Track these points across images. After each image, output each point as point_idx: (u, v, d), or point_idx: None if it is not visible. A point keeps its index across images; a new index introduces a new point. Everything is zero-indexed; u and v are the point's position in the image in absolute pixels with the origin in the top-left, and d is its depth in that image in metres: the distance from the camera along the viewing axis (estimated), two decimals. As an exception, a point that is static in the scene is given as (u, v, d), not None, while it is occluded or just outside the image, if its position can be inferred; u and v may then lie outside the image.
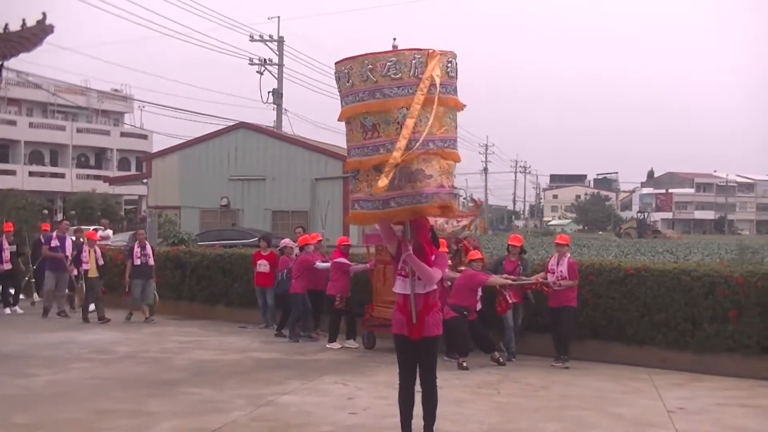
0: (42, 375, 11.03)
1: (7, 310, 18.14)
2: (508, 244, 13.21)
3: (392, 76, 7.13)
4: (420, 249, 7.41)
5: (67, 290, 18.15)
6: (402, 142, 6.99)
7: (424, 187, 7.11)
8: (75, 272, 17.45)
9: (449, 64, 7.40)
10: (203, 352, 13.18)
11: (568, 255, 12.38)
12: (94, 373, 11.21)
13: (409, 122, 7.04)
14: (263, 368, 11.77)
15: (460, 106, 7.55)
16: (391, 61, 7.17)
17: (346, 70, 7.37)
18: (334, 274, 13.85)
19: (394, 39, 7.48)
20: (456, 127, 7.57)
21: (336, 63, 7.59)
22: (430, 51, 7.21)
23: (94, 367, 11.69)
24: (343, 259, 13.87)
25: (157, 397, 9.65)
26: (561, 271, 12.09)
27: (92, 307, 17.05)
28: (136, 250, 16.98)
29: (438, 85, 7.15)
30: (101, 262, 17.18)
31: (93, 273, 16.93)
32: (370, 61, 7.22)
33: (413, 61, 7.14)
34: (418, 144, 7.07)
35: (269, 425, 8.38)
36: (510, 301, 12.41)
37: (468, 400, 9.68)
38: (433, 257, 7.44)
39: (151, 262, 17.09)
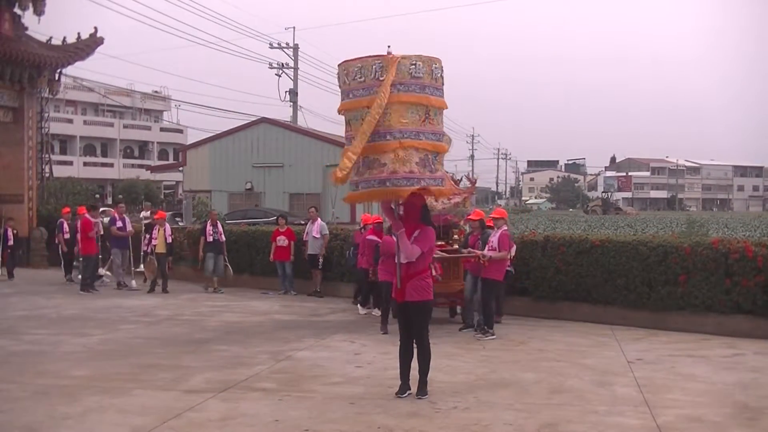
0: (96, 335, 11.02)
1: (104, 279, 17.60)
2: (469, 219, 12.01)
3: (379, 78, 7.16)
4: (416, 224, 7.40)
5: (139, 267, 17.34)
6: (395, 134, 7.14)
7: (413, 171, 7.18)
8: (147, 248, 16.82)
9: (435, 69, 7.39)
10: (231, 315, 13.16)
11: (504, 227, 11.11)
12: (139, 333, 11.20)
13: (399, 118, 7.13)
14: (282, 328, 11.74)
15: (445, 106, 7.59)
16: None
17: (345, 70, 7.43)
18: (366, 249, 13.17)
19: (389, 47, 7.42)
20: (442, 123, 7.61)
21: (339, 64, 7.62)
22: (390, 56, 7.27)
23: (139, 328, 11.68)
24: (372, 237, 13.14)
25: (192, 353, 9.64)
26: (492, 242, 10.95)
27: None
28: (209, 228, 16.52)
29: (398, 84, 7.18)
30: (170, 240, 16.51)
31: (161, 249, 16.30)
32: (366, 64, 7.24)
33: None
34: (412, 135, 7.18)
35: (287, 377, 8.35)
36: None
37: (458, 354, 9.65)
38: (415, 233, 7.35)
39: (222, 238, 16.55)
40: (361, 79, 7.30)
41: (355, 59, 7.39)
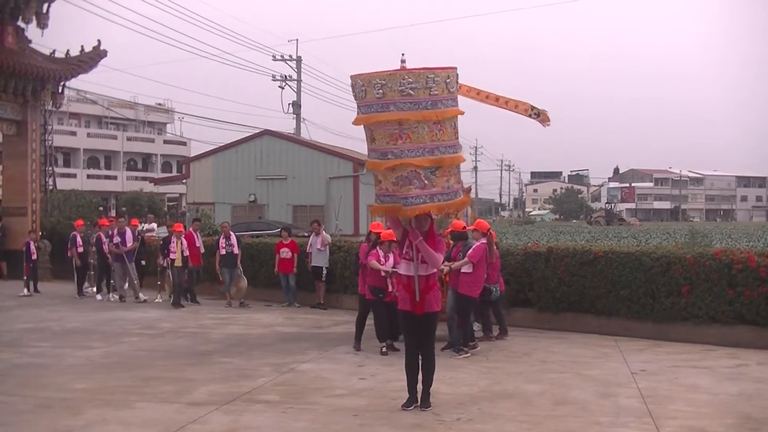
0: (98, 347, 11.03)
1: (106, 296, 17.38)
2: (451, 231, 11.20)
3: (409, 92, 7.02)
4: (426, 237, 7.35)
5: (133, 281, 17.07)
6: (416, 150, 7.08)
7: (433, 188, 7.11)
8: (164, 262, 16.56)
9: (449, 79, 7.27)
10: (234, 327, 13.15)
11: (482, 240, 10.59)
12: (142, 346, 11.20)
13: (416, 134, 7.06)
14: (286, 340, 11.74)
15: (461, 113, 7.45)
16: (409, 78, 7.03)
17: (362, 84, 7.22)
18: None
19: (402, 55, 7.33)
20: (457, 133, 7.44)
21: (352, 76, 7.38)
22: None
23: (142, 341, 11.68)
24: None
25: (195, 365, 9.64)
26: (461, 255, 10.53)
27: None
28: (221, 241, 16.27)
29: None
30: (186, 252, 16.02)
31: (178, 262, 15.91)
32: (384, 77, 7.09)
33: (428, 80, 7.08)
34: (428, 152, 7.10)
35: (291, 389, 8.35)
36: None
37: (461, 366, 9.64)
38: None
39: (236, 251, 16.25)
40: (380, 92, 7.09)
41: (380, 72, 7.19)
